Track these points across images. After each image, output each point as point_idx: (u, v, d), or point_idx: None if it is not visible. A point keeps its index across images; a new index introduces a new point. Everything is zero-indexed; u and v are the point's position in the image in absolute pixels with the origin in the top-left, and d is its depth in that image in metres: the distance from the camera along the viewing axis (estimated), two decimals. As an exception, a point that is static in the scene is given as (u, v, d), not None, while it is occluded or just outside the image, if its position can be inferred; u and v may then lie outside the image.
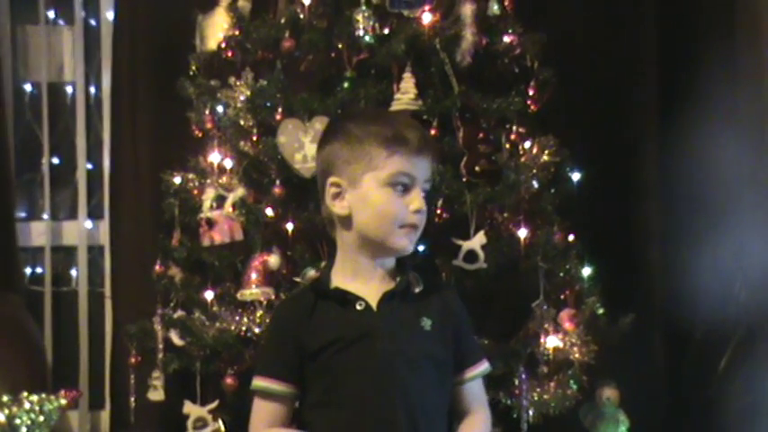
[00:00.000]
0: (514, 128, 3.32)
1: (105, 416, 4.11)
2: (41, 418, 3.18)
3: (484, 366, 2.27)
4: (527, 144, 3.31)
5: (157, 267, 3.47)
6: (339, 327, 2.15)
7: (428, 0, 3.28)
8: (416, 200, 2.13)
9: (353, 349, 2.13)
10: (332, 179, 2.18)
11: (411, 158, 2.13)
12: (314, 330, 2.15)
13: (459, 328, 2.23)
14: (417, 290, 2.20)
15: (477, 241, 3.15)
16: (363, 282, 2.18)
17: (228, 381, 3.25)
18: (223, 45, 3.49)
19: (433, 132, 3.19)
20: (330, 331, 2.14)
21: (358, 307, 2.16)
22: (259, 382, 2.19)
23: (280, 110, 3.33)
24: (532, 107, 3.35)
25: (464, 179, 3.22)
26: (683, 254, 3.61)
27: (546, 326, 3.22)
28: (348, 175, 2.16)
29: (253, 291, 3.23)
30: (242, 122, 3.40)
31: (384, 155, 2.14)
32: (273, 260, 3.25)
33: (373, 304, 2.15)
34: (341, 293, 2.17)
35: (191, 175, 3.46)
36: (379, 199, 2.14)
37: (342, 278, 2.19)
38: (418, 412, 2.12)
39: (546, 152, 3.30)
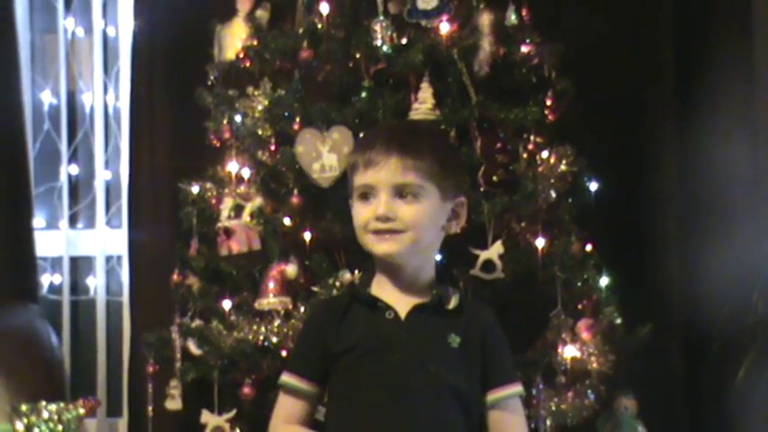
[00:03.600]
0: (532, 137, 3.32)
1: (123, 424, 4.11)
2: (60, 428, 3.19)
3: (512, 389, 2.20)
4: (544, 154, 3.31)
5: (175, 276, 3.48)
6: (364, 333, 2.15)
7: (446, 10, 3.28)
8: (379, 206, 2.12)
9: (373, 357, 2.13)
10: (350, 200, 2.21)
11: (367, 168, 2.13)
12: (341, 333, 2.16)
13: (489, 347, 2.20)
14: (451, 305, 2.18)
15: (495, 251, 3.15)
16: (397, 292, 2.17)
17: (246, 390, 3.26)
18: (241, 55, 3.50)
19: (450, 142, 3.20)
20: (354, 336, 2.14)
21: (387, 316, 2.15)
22: (284, 378, 2.22)
23: (297, 120, 3.34)
24: (550, 117, 3.34)
25: (482, 189, 3.22)
26: (701, 263, 3.60)
27: (563, 336, 3.21)
28: (350, 195, 2.20)
29: (270, 300, 3.24)
30: (260, 132, 3.40)
31: (351, 171, 2.19)
32: (291, 269, 3.26)
33: (402, 315, 2.15)
34: (373, 300, 2.17)
35: (209, 185, 3.47)
36: (354, 213, 2.18)
37: (378, 285, 2.19)
38: (433, 428, 2.11)
39: (563, 162, 3.29)
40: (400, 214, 2.11)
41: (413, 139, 2.19)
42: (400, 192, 2.12)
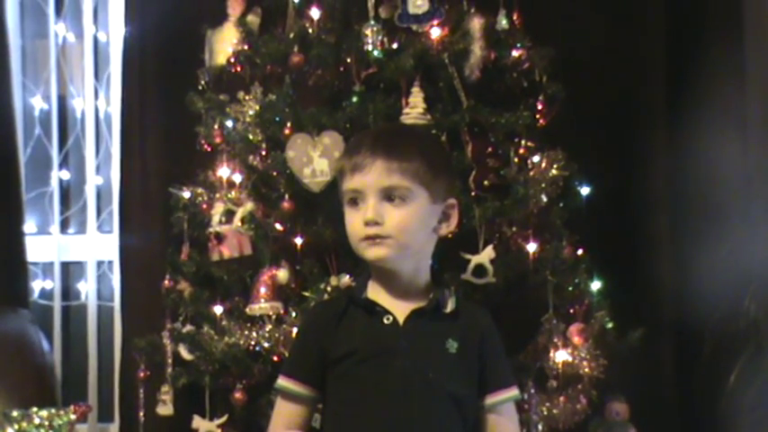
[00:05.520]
0: (523, 142, 3.32)
1: (114, 430, 4.11)
2: (51, 433, 3.19)
3: (509, 393, 2.22)
4: (536, 158, 3.31)
5: (166, 282, 3.47)
6: (362, 338, 2.14)
7: (437, 15, 3.28)
8: (367, 211, 2.12)
9: (371, 363, 2.12)
10: (343, 208, 2.21)
11: (354, 173, 2.12)
12: (338, 338, 2.15)
13: (486, 351, 2.19)
14: (449, 309, 2.18)
15: (486, 255, 3.15)
16: (395, 296, 2.16)
17: (237, 395, 3.26)
18: (232, 60, 3.50)
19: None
20: (352, 341, 2.14)
21: (385, 321, 2.14)
22: (281, 382, 2.20)
23: (288, 124, 3.33)
24: (541, 121, 3.35)
25: (473, 193, 3.22)
26: (693, 266, 3.60)
27: (555, 340, 3.22)
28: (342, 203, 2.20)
29: (262, 305, 3.24)
30: (251, 137, 3.40)
31: (340, 177, 2.19)
32: (282, 274, 3.25)
33: (401, 320, 2.14)
34: (371, 304, 2.16)
35: (200, 190, 3.47)
36: (345, 220, 2.16)
37: (375, 290, 2.18)
38: None
39: (554, 166, 3.29)
40: (388, 218, 2.10)
41: (398, 142, 2.18)
42: (388, 195, 2.11)
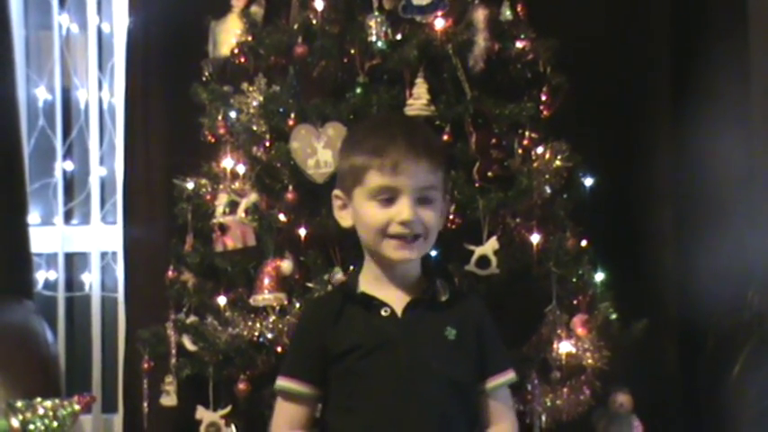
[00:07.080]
0: (527, 133, 3.32)
1: (118, 421, 4.12)
2: (55, 424, 3.18)
3: (508, 376, 2.25)
4: (540, 149, 3.30)
5: (170, 273, 3.47)
6: (362, 332, 2.15)
7: (440, 6, 3.28)
8: (403, 211, 2.10)
9: (375, 356, 2.13)
10: (335, 191, 2.20)
11: (391, 171, 2.11)
12: (338, 334, 2.16)
13: (483, 337, 2.21)
14: (444, 298, 2.19)
15: (490, 247, 3.15)
16: (390, 288, 2.17)
17: (241, 386, 3.26)
18: (236, 51, 3.49)
19: (445, 138, 3.18)
20: (353, 336, 2.14)
21: (383, 313, 2.15)
22: (281, 382, 2.20)
23: (292, 115, 3.33)
24: (545, 112, 3.34)
25: (477, 184, 3.22)
26: (697, 259, 3.60)
27: (559, 331, 3.21)
28: (345, 189, 2.18)
29: (265, 296, 3.23)
30: (255, 128, 3.40)
31: (365, 169, 2.15)
32: (286, 266, 3.25)
33: (398, 311, 2.15)
34: (367, 299, 2.17)
35: (203, 181, 3.47)
36: (365, 213, 2.15)
37: (369, 283, 2.19)
38: (437, 423, 2.12)
39: (558, 157, 3.29)
40: (423, 218, 2.11)
41: (429, 141, 2.20)
42: (422, 195, 2.12)
